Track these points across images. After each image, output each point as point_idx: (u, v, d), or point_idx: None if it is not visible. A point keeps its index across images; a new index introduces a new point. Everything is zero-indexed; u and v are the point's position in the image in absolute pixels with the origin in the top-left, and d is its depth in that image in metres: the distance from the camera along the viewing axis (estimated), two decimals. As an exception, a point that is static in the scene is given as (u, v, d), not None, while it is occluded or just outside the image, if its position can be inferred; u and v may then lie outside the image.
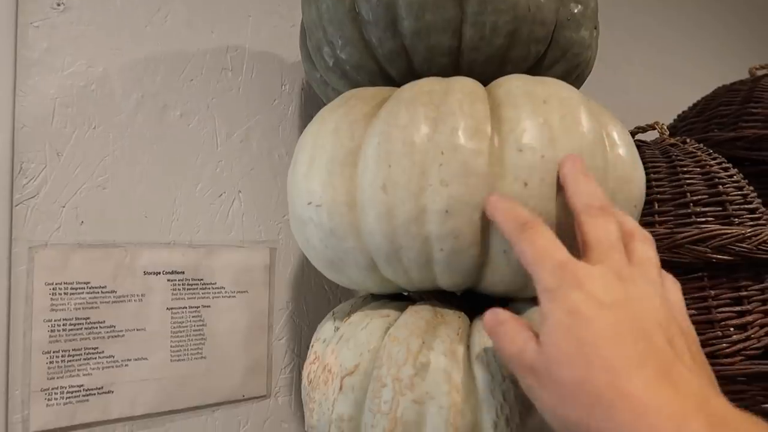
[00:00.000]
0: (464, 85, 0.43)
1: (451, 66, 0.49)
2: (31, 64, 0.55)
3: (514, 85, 0.43)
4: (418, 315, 0.44)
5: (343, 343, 0.45)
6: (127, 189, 0.59)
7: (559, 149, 0.40)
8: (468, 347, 0.42)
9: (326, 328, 0.50)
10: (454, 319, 0.44)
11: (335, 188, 0.43)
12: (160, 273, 0.60)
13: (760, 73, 0.89)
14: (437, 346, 0.41)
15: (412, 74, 0.50)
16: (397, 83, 0.49)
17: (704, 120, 0.86)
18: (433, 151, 0.40)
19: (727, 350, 0.56)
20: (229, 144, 0.65)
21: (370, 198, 0.42)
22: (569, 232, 0.41)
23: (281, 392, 0.68)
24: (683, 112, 0.94)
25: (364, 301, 0.52)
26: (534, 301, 0.45)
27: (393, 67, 0.50)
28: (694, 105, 0.92)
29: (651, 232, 0.57)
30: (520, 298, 0.46)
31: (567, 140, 0.40)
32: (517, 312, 0.45)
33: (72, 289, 0.55)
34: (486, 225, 0.40)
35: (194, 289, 0.62)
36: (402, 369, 0.40)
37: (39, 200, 0.55)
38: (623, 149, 0.44)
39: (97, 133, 0.58)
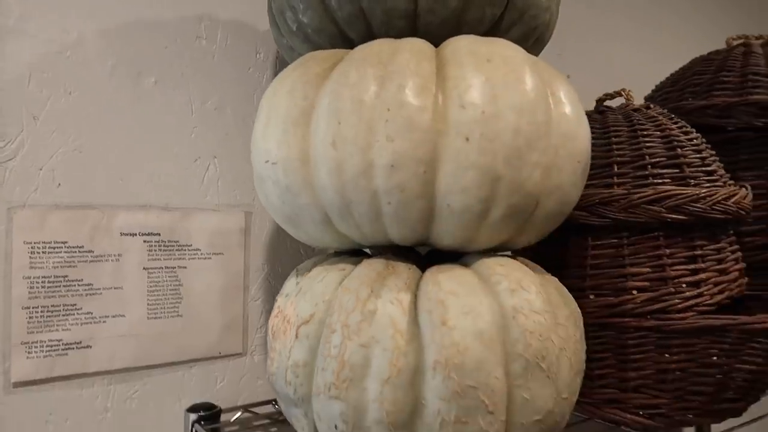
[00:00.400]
0: (413, 45, 0.45)
1: (408, 29, 0.51)
2: (6, 31, 0.56)
3: (461, 44, 0.45)
4: (370, 267, 0.46)
5: (302, 296, 0.48)
6: (103, 153, 0.61)
7: (500, 105, 0.42)
8: (415, 296, 0.44)
9: (289, 284, 0.53)
10: (404, 270, 0.46)
11: (289, 146, 0.45)
12: (136, 234, 0.62)
13: (735, 43, 0.90)
14: (385, 295, 0.43)
15: (371, 37, 0.51)
16: (357, 46, 0.51)
17: (678, 89, 0.87)
18: (379, 108, 0.42)
19: (680, 306, 0.58)
20: (203, 111, 0.67)
21: (322, 154, 0.44)
22: (512, 188, 0.43)
23: (257, 351, 0.70)
24: (660, 82, 0.95)
25: (327, 258, 0.54)
26: (482, 253, 0.47)
27: (352, 30, 0.52)
28: (671, 75, 0.93)
29: (609, 193, 0.59)
30: (469, 251, 0.48)
31: (508, 97, 0.42)
32: (467, 264, 0.47)
33: (50, 248, 0.58)
34: (430, 179, 0.42)
35: (170, 250, 0.64)
36: (350, 316, 0.43)
37: (16, 163, 0.57)
38: (569, 108, 0.46)
39: (73, 99, 0.60)
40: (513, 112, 0.42)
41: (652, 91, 0.95)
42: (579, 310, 0.52)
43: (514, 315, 0.42)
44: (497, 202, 0.43)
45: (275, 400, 0.68)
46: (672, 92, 0.88)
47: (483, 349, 0.40)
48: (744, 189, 0.63)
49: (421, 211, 0.44)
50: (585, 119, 0.47)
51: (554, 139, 0.44)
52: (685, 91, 0.86)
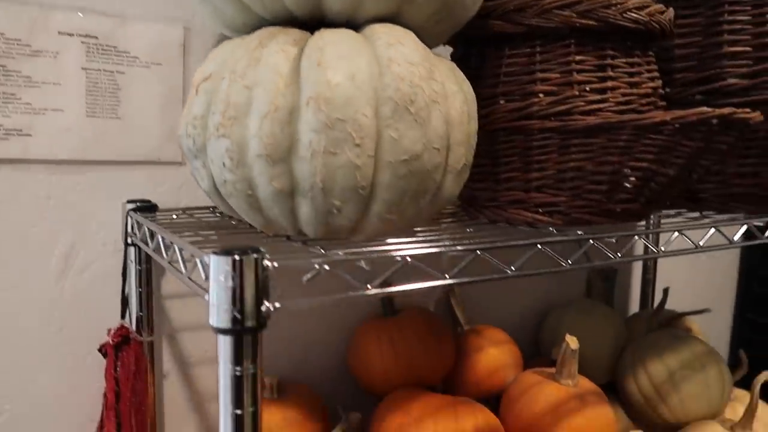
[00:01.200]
0: None
1: None
2: None
3: None
4: (266, 30, 0.49)
5: (207, 62, 0.51)
6: (39, -48, 0.63)
7: None
8: (302, 50, 0.47)
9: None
10: (296, 32, 0.49)
11: None
12: (73, 35, 0.65)
13: None
14: (272, 46, 0.46)
15: None
16: None
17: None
18: None
19: (583, 108, 0.60)
20: None
21: None
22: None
23: (198, 163, 0.74)
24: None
25: (239, 41, 0.57)
26: (374, 20, 0.50)
27: None
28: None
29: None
30: (362, 21, 0.51)
31: None
32: (357, 30, 0.50)
33: (-12, 37, 0.61)
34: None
35: (108, 54, 0.67)
36: (238, 63, 0.46)
37: (-49, -49, 0.60)
38: None
39: None
40: None
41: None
42: (474, 96, 0.55)
43: (389, 64, 0.45)
44: (377, -44, 0.45)
45: (214, 207, 0.73)
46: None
47: (353, 88, 0.44)
48: (665, 6, 0.65)
49: (307, -32, 0.46)
50: None
51: None
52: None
